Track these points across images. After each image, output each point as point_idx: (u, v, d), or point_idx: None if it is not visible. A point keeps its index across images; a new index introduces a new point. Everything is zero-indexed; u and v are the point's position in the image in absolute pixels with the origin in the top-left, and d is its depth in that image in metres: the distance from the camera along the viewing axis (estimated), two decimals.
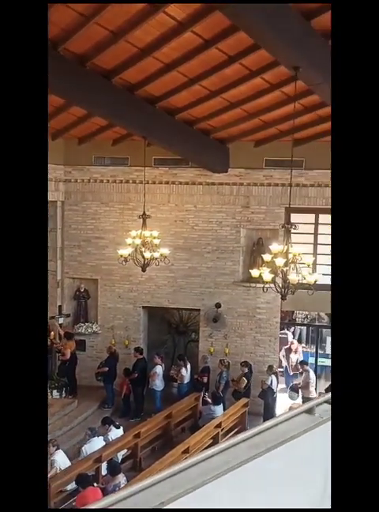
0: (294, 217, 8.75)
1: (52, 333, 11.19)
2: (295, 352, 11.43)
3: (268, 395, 9.68)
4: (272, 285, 6.37)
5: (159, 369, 10.31)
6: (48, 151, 1.80)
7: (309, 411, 2.28)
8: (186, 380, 10.35)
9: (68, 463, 7.20)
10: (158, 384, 10.27)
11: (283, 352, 11.40)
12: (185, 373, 10.33)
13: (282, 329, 11.39)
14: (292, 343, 11.71)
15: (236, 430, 9.70)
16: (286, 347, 11.56)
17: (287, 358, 11.48)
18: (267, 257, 6.60)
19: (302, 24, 5.96)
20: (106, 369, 10.56)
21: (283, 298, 6.52)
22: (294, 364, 11.19)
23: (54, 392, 10.43)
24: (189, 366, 10.48)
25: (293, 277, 6.25)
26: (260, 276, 6.51)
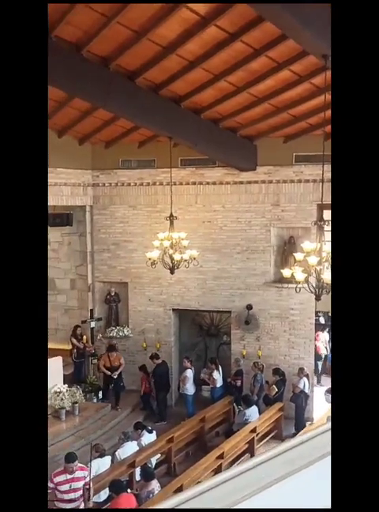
0: (327, 214, 8.42)
1: (85, 337, 11.24)
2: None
3: (299, 399, 9.36)
4: (306, 285, 6.09)
5: (189, 373, 10.15)
6: (48, 155, 1.78)
7: None
8: (219, 383, 10.13)
9: (102, 469, 7.09)
10: (189, 388, 10.11)
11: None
12: (218, 376, 10.12)
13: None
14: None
15: (272, 435, 9.46)
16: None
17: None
18: (299, 256, 6.34)
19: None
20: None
21: (318, 298, 6.25)
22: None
23: (89, 395, 10.44)
24: (220, 369, 10.28)
25: (327, 276, 5.96)
26: (292, 275, 6.25)
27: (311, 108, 8.54)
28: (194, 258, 9.12)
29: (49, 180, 10.08)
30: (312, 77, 7.50)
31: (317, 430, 2.06)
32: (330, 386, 10.16)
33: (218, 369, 10.17)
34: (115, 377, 10.28)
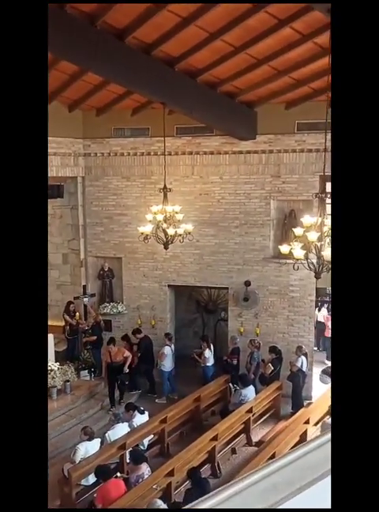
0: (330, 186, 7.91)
1: (78, 313, 10.93)
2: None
3: (297, 378, 9.07)
4: (305, 262, 5.66)
5: (166, 349, 9.92)
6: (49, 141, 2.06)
7: None
8: (210, 362, 9.87)
9: (90, 452, 6.85)
10: (165, 365, 9.93)
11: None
12: (209, 354, 9.82)
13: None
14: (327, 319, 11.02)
15: (269, 414, 9.23)
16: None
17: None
18: (298, 231, 5.87)
19: None
20: (95, 338, 10.40)
21: (317, 276, 5.82)
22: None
23: (83, 373, 10.20)
24: (212, 347, 10.00)
25: (328, 253, 5.51)
26: (290, 252, 5.81)
27: (314, 71, 7.89)
28: (189, 233, 8.68)
29: None
30: (316, 35, 6.86)
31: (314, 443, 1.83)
32: (326, 367, 9.88)
33: (209, 347, 9.87)
34: (120, 376, 9.41)
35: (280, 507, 1.58)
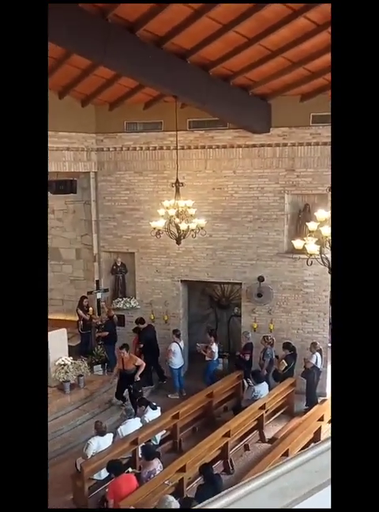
0: None
1: (91, 308, 10.95)
2: None
3: (311, 374, 8.95)
4: (318, 258, 5.54)
5: (174, 346, 9.84)
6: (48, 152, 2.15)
7: None
8: (216, 357, 9.82)
9: (103, 447, 6.86)
10: (173, 361, 9.85)
11: None
12: (216, 349, 9.75)
13: None
14: None
15: (282, 411, 9.13)
16: None
17: None
18: (312, 225, 5.75)
19: None
20: (107, 333, 10.34)
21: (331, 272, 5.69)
22: None
23: (96, 367, 10.22)
24: (217, 343, 9.99)
25: None
26: (304, 247, 5.69)
27: (330, 63, 7.71)
28: (202, 228, 8.60)
29: (51, 145, 9.57)
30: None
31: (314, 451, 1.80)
32: None
33: (216, 342, 9.82)
34: (132, 384, 8.86)
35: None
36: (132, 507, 5.74)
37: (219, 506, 1.54)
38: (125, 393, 9.02)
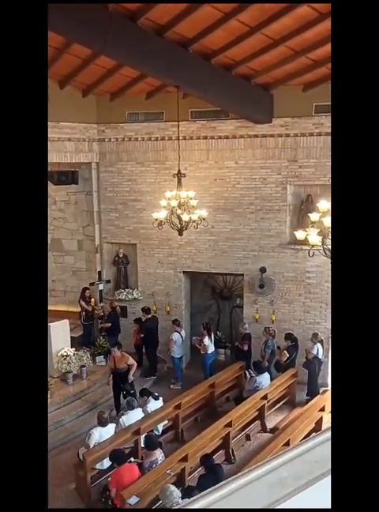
0: None
1: (93, 299, 10.98)
2: None
3: (313, 365, 8.97)
4: (320, 249, 5.52)
5: (175, 336, 9.89)
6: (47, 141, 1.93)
7: None
8: (210, 350, 9.81)
9: (105, 437, 6.91)
10: (174, 351, 9.92)
11: None
12: (209, 342, 9.73)
13: None
14: None
15: (284, 401, 9.17)
16: None
17: None
18: (314, 216, 5.72)
19: None
20: (109, 324, 10.38)
21: None
22: None
23: (99, 358, 10.27)
24: (213, 335, 9.98)
25: None
26: (306, 238, 5.67)
27: None
28: (204, 219, 8.58)
29: (52, 135, 9.54)
30: None
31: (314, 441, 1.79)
32: None
33: (210, 335, 9.81)
34: (125, 385, 8.44)
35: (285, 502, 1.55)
36: (134, 496, 5.80)
37: (219, 495, 1.54)
38: (121, 399, 8.51)
